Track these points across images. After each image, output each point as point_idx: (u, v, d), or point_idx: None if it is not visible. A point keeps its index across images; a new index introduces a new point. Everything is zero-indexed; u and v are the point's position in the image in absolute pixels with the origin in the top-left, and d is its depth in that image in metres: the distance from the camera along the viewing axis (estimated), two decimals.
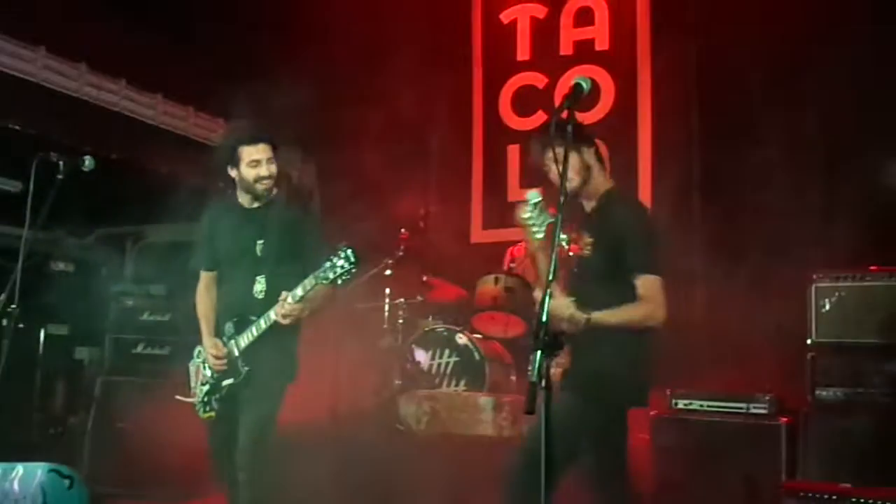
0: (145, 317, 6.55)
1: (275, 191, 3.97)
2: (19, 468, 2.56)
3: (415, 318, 6.49)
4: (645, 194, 6.69)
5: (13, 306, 3.44)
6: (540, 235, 3.17)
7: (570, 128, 2.74)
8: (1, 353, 3.43)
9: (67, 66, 6.31)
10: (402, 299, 6.46)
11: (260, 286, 3.87)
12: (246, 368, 3.86)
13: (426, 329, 6.24)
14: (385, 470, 4.82)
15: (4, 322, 3.45)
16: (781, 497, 3.90)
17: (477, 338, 6.07)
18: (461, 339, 6.02)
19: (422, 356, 6.13)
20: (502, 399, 5.30)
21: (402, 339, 6.35)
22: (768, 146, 5.79)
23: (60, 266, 7.75)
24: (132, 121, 6.89)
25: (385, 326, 6.49)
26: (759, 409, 4.44)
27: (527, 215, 3.23)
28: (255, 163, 3.81)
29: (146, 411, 5.00)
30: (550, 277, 2.53)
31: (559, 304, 3.09)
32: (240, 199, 3.98)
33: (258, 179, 3.83)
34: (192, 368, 4.08)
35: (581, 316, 3.11)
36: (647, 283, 3.20)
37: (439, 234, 7.15)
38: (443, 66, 7.96)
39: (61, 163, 3.70)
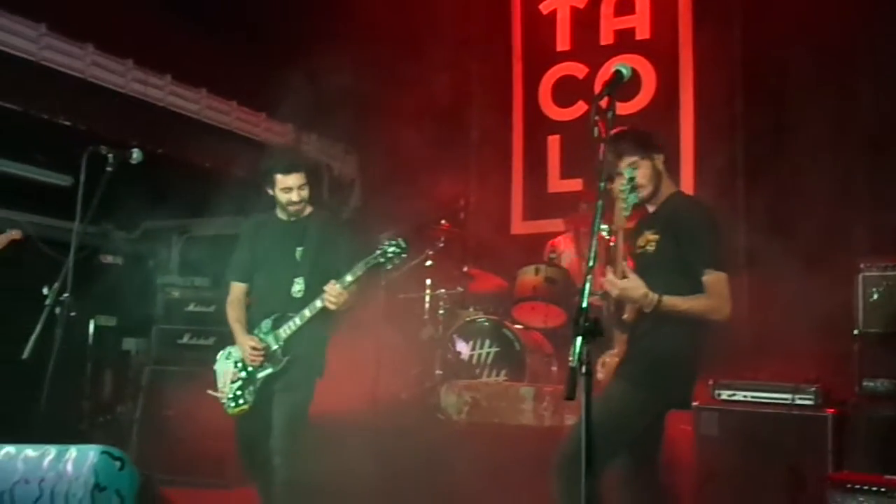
0: (191, 308, 6.67)
1: (308, 209, 4.24)
2: (72, 450, 2.60)
3: (455, 309, 6.48)
4: (688, 183, 6.59)
5: (66, 295, 3.53)
6: (626, 213, 3.23)
7: (610, 114, 2.72)
8: (54, 341, 3.52)
9: (115, 62, 6.39)
10: (442, 290, 6.46)
11: (298, 286, 4.10)
12: (286, 358, 4.03)
13: (467, 319, 6.24)
14: (425, 459, 4.84)
15: (57, 311, 3.54)
16: (827, 489, 3.83)
17: (517, 328, 6.05)
18: (502, 329, 6.01)
19: (462, 346, 6.13)
20: (543, 389, 5.29)
21: (442, 329, 6.34)
22: (814, 132, 5.67)
23: (109, 259, 7.92)
24: (177, 116, 6.97)
25: (426, 317, 6.50)
26: (804, 400, 4.35)
27: (623, 188, 3.22)
28: (287, 189, 4.10)
29: (192, 400, 5.07)
30: (591, 263, 2.52)
31: (632, 285, 3.18)
32: (278, 214, 4.26)
33: (289, 203, 4.12)
34: (219, 370, 4.23)
35: (654, 296, 3.17)
36: (713, 280, 3.27)
37: (480, 225, 7.15)
38: (483, 58, 7.95)
39: (110, 156, 3.79)
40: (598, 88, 6.81)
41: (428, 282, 6.51)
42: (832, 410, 4.26)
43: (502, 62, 7.92)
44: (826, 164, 5.68)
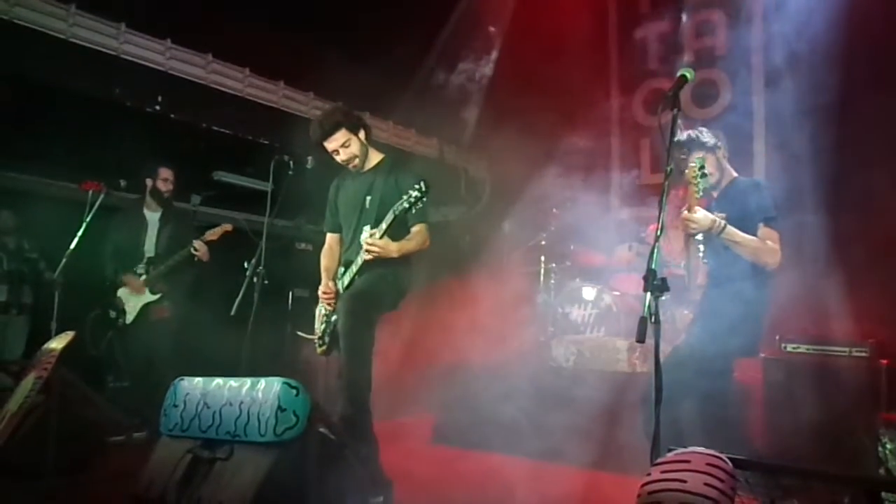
0: None
1: (376, 159, 3.69)
2: (262, 381, 2.73)
3: (564, 280, 6.41)
4: (759, 169, 6.22)
5: (260, 268, 3.74)
6: (698, 195, 3.24)
7: (676, 112, 2.64)
8: (253, 303, 3.73)
9: (302, 94, 6.62)
10: (553, 264, 6.40)
11: (366, 234, 3.47)
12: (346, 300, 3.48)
13: (573, 288, 6.15)
14: (538, 398, 4.82)
15: (255, 280, 3.74)
16: (879, 426, 3.55)
17: (615, 294, 5.91)
18: (602, 295, 5.88)
19: (570, 309, 6.05)
20: (635, 342, 5.13)
21: (553, 295, 6.29)
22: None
23: (303, 246, 8.32)
24: None
25: (541, 286, 6.46)
26: (860, 353, 4.05)
27: (693, 175, 3.27)
28: (335, 153, 3.63)
29: None
30: (659, 233, 2.46)
31: (701, 216, 3.21)
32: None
33: (345, 163, 3.65)
34: (317, 313, 3.86)
35: (720, 222, 3.20)
36: (768, 232, 3.28)
37: (584, 211, 6.99)
38: (587, 77, 7.72)
39: (291, 162, 3.97)
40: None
41: (542, 258, 6.46)
42: (886, 361, 3.95)
43: (604, 80, 7.69)
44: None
